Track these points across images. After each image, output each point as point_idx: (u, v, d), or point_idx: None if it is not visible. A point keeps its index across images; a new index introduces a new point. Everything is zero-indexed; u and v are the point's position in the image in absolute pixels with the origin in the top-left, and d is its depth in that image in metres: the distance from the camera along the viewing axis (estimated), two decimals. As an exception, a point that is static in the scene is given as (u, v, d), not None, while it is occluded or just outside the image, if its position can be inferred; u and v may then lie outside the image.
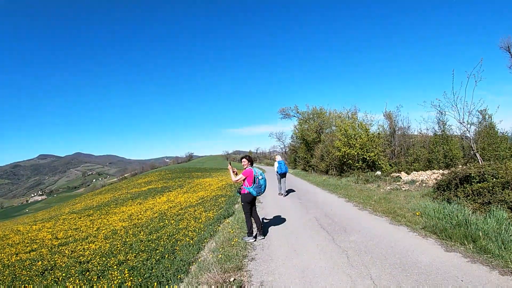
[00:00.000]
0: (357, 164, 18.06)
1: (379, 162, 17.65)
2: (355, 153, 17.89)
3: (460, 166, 11.06)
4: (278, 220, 7.77)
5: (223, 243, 5.97)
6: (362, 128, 18.63)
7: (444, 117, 15.49)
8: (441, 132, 16.10)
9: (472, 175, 6.87)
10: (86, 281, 5.89)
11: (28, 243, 13.14)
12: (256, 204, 7.20)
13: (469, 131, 10.89)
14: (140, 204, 20.79)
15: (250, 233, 6.15)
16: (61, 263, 8.09)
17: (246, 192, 6.09)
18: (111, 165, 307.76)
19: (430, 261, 4.20)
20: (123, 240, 9.41)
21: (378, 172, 16.15)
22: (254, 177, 6.06)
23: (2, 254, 11.04)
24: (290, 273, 4.22)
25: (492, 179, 6.44)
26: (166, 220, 11.20)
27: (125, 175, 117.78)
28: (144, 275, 5.24)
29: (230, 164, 6.66)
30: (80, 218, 20.02)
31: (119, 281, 5.20)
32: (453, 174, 7.56)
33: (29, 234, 15.96)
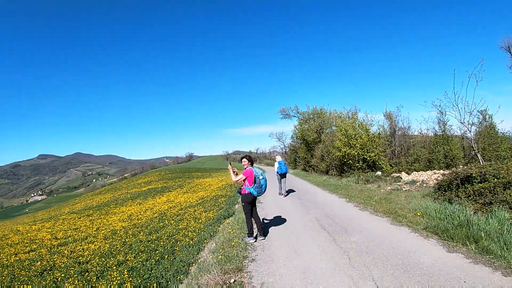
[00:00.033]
0: (357, 164, 18.03)
1: (380, 162, 17.62)
2: (356, 153, 17.85)
3: (461, 166, 11.03)
4: (278, 221, 7.73)
5: (223, 243, 5.93)
6: (363, 128, 18.60)
7: (445, 117, 15.48)
8: (442, 132, 16.07)
9: (473, 175, 6.84)
10: (85, 282, 5.84)
11: (27, 243, 13.09)
12: (256, 204, 7.16)
13: (470, 131, 10.85)
14: (140, 204, 20.75)
15: (250, 234, 6.10)
16: (60, 264, 8.05)
17: (246, 193, 6.04)
18: (111, 165, 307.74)
19: (432, 262, 4.17)
20: (123, 240, 9.37)
21: (379, 172, 16.12)
22: (255, 177, 6.02)
23: (1, 254, 10.99)
24: (291, 274, 4.18)
25: (493, 179, 6.41)
26: (166, 221, 11.16)
27: (125, 175, 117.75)
28: (143, 276, 5.21)
29: (230, 164, 6.63)
30: (80, 218, 19.97)
31: (118, 282, 5.16)
32: (454, 174, 7.53)
33: (29, 234, 15.91)
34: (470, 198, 6.63)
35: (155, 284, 4.59)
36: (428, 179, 11.63)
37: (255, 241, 6.01)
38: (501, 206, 5.77)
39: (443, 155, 15.32)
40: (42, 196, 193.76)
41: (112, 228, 12.84)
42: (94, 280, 5.87)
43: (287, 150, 53.97)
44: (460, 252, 4.43)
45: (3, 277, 7.61)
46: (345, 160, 18.88)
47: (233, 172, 6.39)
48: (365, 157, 17.65)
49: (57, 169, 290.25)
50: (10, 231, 19.22)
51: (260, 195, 6.17)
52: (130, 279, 5.20)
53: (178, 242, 7.17)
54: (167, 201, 18.96)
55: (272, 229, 6.87)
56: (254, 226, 6.28)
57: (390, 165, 17.64)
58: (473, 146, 10.84)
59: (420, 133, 18.96)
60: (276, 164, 12.76)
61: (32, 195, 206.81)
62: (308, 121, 31.69)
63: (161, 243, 7.50)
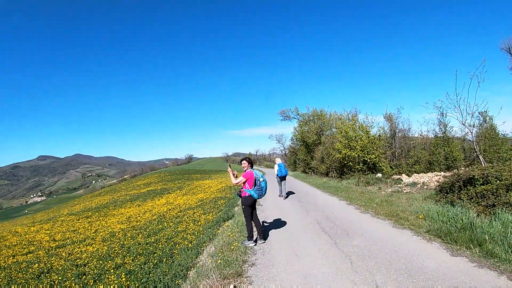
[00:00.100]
0: (357, 166, 17.96)
1: (380, 164, 17.55)
2: (356, 155, 17.80)
3: (462, 168, 10.95)
4: (278, 223, 7.64)
5: (223, 247, 5.83)
6: (363, 130, 18.55)
7: (446, 119, 15.43)
8: (442, 134, 16.01)
9: (476, 177, 6.76)
10: (82, 285, 5.76)
11: (25, 245, 12.97)
12: (256, 206, 7.07)
13: (471, 133, 10.78)
14: (139, 206, 20.63)
15: (250, 237, 6.01)
16: (57, 266, 7.95)
17: (247, 195, 5.94)
18: (111, 167, 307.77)
19: (436, 266, 4.08)
20: (121, 242, 9.27)
21: (379, 174, 16.04)
22: (255, 179, 5.93)
23: (-1, 256, 10.89)
24: (292, 280, 4.09)
25: (496, 181, 6.33)
26: (165, 223, 11.07)
27: (125, 176, 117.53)
28: (141, 279, 5.12)
29: (229, 166, 6.54)
30: (79, 220, 19.84)
31: (116, 285, 5.07)
32: (456, 176, 7.44)
33: (27, 236, 15.77)
34: (472, 200, 6.54)
35: (152, 289, 4.50)
36: (429, 181, 11.54)
37: (255, 244, 5.91)
38: (504, 208, 5.69)
39: (444, 157, 15.27)
40: (42, 197, 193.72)
41: (111, 230, 12.73)
42: (91, 283, 5.78)
43: (287, 152, 53.94)
44: (464, 256, 4.35)
45: (0, 279, 7.52)
46: (345, 162, 18.83)
47: (233, 174, 6.30)
48: (366, 159, 17.59)
49: (56, 170, 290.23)
50: (8, 232, 19.08)
51: (260, 198, 6.08)
52: (128, 283, 5.12)
53: (177, 245, 7.09)
54: (166, 203, 18.86)
55: (272, 232, 6.78)
56: (254, 229, 6.19)
57: (391, 167, 17.58)
58: (475, 148, 10.76)
59: (421, 135, 18.92)
60: (276, 167, 12.68)
61: (32, 196, 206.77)
62: (308, 123, 31.64)
63: (160, 246, 7.42)
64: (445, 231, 5.28)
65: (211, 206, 12.38)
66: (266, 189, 6.12)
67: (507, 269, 3.77)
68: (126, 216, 16.48)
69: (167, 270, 5.19)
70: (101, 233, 12.37)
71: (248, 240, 5.98)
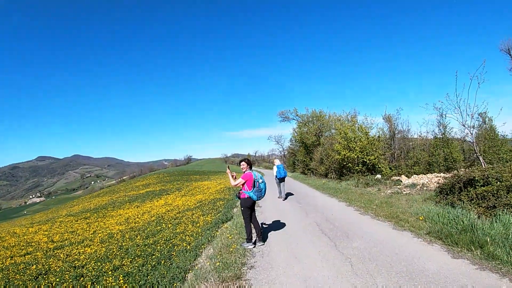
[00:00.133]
0: (357, 168, 17.92)
1: (379, 166, 17.51)
2: (355, 157, 17.76)
3: (462, 169, 10.91)
4: (277, 225, 7.59)
5: (221, 249, 5.77)
6: (362, 131, 18.51)
7: (445, 120, 15.40)
8: (442, 135, 15.99)
9: (476, 178, 6.71)
10: (80, 287, 5.70)
11: (23, 246, 12.90)
12: (255, 208, 7.02)
13: (471, 134, 10.74)
14: (137, 207, 20.55)
15: (249, 239, 5.96)
16: (55, 268, 7.89)
17: (246, 197, 5.89)
18: (110, 168, 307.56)
19: (437, 268, 4.04)
20: (119, 244, 9.21)
21: (378, 176, 16.00)
22: (254, 181, 5.89)
23: (-4, 258, 10.82)
24: (291, 283, 4.03)
25: (497, 182, 6.29)
26: (164, 224, 11.01)
27: (124, 177, 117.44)
28: (139, 282, 5.06)
29: (228, 168, 6.49)
30: (77, 220, 19.76)
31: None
32: (456, 177, 7.40)
33: (25, 237, 15.70)
34: (473, 201, 6.50)
35: (151, 292, 4.45)
36: (429, 182, 11.51)
37: (254, 246, 5.86)
38: (505, 209, 5.65)
39: (443, 158, 15.24)
40: (41, 198, 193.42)
41: (109, 231, 12.67)
42: (89, 285, 5.72)
43: (286, 153, 53.91)
44: (465, 258, 4.30)
45: (-2, 281, 7.46)
46: (345, 163, 18.79)
47: (232, 176, 6.26)
48: (365, 160, 17.55)
49: (55, 171, 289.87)
50: (7, 233, 18.99)
51: (259, 199, 6.03)
52: (126, 285, 5.06)
53: (175, 246, 7.02)
54: (165, 204, 18.79)
55: (271, 234, 6.73)
56: (253, 231, 6.14)
57: (390, 168, 17.54)
58: (475, 149, 10.73)
59: (420, 136, 18.89)
60: (275, 168, 12.62)
61: (31, 197, 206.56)
62: (307, 124, 31.63)
63: (158, 248, 7.36)
64: (446, 233, 5.24)
65: (210, 208, 12.33)
66: (265, 191, 6.07)
67: (509, 272, 3.73)
68: (125, 217, 16.41)
69: (165, 273, 5.13)
70: (100, 234, 12.31)
71: (247, 242, 5.93)
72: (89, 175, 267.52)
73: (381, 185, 13.13)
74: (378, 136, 18.86)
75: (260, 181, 5.95)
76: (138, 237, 9.69)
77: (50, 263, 8.49)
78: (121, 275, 5.55)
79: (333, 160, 20.43)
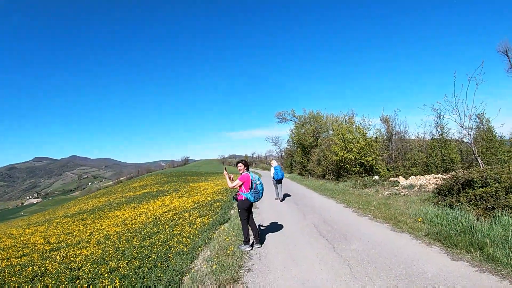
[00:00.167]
0: (354, 169, 17.90)
1: (377, 167, 17.50)
2: (353, 158, 17.74)
3: (460, 170, 10.90)
4: (275, 227, 7.54)
5: (218, 251, 5.71)
6: (360, 132, 18.49)
7: (443, 121, 15.40)
8: (439, 136, 15.99)
9: (475, 179, 6.69)
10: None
11: (20, 247, 12.79)
12: (252, 209, 6.97)
13: (469, 135, 10.72)
14: (134, 209, 20.44)
15: (246, 241, 5.89)
16: (51, 270, 7.82)
17: (243, 199, 5.83)
18: (107, 169, 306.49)
19: (437, 271, 3.99)
20: (116, 246, 9.13)
21: (376, 177, 15.98)
22: (252, 182, 5.82)
23: (-8, 260, 10.71)
24: (289, 286, 3.98)
25: (495, 183, 6.26)
26: (160, 226, 10.93)
27: (121, 178, 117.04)
28: (135, 284, 4.99)
29: (225, 169, 6.44)
30: (74, 222, 19.63)
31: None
32: (454, 178, 7.38)
33: (22, 238, 15.57)
34: (471, 203, 6.47)
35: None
36: (427, 184, 11.50)
37: (251, 249, 5.80)
38: (504, 211, 5.62)
39: (441, 159, 15.24)
40: (38, 199, 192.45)
41: (106, 233, 12.58)
42: (85, 288, 5.66)
43: (283, 154, 53.87)
44: (465, 260, 4.26)
45: (-7, 283, 7.38)
46: (342, 164, 18.76)
47: (229, 177, 6.20)
48: (362, 161, 17.53)
49: (52, 172, 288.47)
50: (3, 234, 18.82)
51: (257, 201, 5.98)
52: (122, 287, 5.00)
53: (172, 248, 6.96)
54: (162, 205, 18.69)
55: (268, 236, 6.68)
56: (250, 233, 6.08)
57: (387, 169, 17.53)
58: (473, 150, 10.71)
59: (418, 137, 18.89)
60: (272, 170, 12.56)
61: (28, 197, 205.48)
62: (304, 125, 31.60)
63: (155, 250, 7.29)
64: (445, 234, 5.20)
65: (207, 209, 12.26)
66: (262, 192, 6.02)
67: (510, 274, 3.69)
68: (122, 219, 16.31)
69: (161, 275, 5.06)
70: (96, 236, 12.21)
71: (244, 244, 5.87)
72: (86, 176, 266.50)
73: (379, 186, 13.11)
74: (376, 137, 18.85)
75: (258, 182, 5.90)
76: (135, 238, 9.61)
77: (46, 265, 8.42)
78: (117, 278, 5.50)
79: (331, 161, 20.41)
